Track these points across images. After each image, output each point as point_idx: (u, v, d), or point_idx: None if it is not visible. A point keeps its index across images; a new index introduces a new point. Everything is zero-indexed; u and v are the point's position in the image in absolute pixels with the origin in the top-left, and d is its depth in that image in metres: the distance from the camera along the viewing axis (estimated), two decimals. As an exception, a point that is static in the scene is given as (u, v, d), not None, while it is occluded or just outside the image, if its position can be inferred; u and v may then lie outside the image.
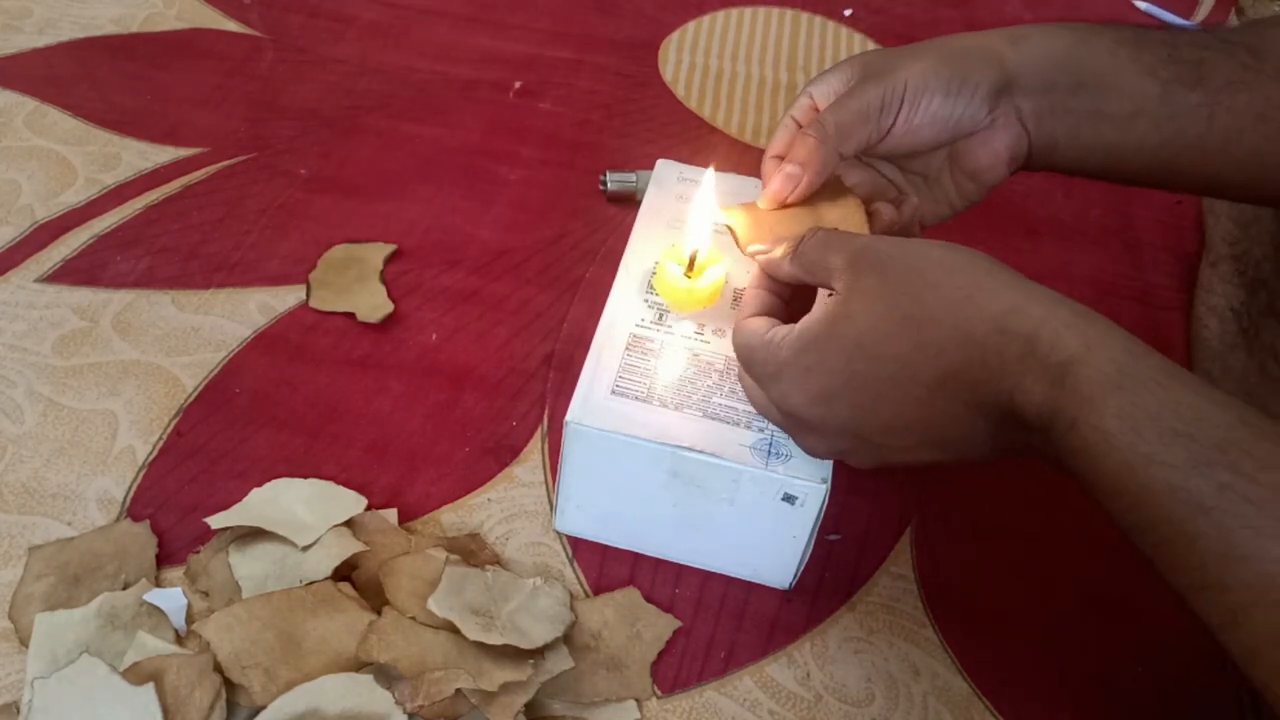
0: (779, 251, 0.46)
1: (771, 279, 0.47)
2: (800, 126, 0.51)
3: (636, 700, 0.45)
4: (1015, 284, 0.38)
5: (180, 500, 0.50)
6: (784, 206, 0.49)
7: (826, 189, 0.49)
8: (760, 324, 0.44)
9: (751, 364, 0.44)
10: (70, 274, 0.60)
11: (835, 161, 0.48)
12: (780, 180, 0.48)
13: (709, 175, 0.52)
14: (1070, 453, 0.35)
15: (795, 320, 0.43)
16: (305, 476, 0.51)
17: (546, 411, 0.57)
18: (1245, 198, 0.54)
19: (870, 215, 0.49)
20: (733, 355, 0.49)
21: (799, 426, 0.43)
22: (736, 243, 0.49)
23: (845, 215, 0.49)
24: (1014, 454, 0.40)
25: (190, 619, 0.45)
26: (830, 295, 0.42)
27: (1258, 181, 0.48)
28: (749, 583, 0.50)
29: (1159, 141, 0.48)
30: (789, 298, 0.47)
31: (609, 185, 0.70)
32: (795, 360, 0.41)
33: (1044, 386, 0.35)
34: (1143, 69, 0.47)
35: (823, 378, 0.41)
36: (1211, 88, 0.47)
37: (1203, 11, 1.03)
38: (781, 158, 0.50)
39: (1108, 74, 0.48)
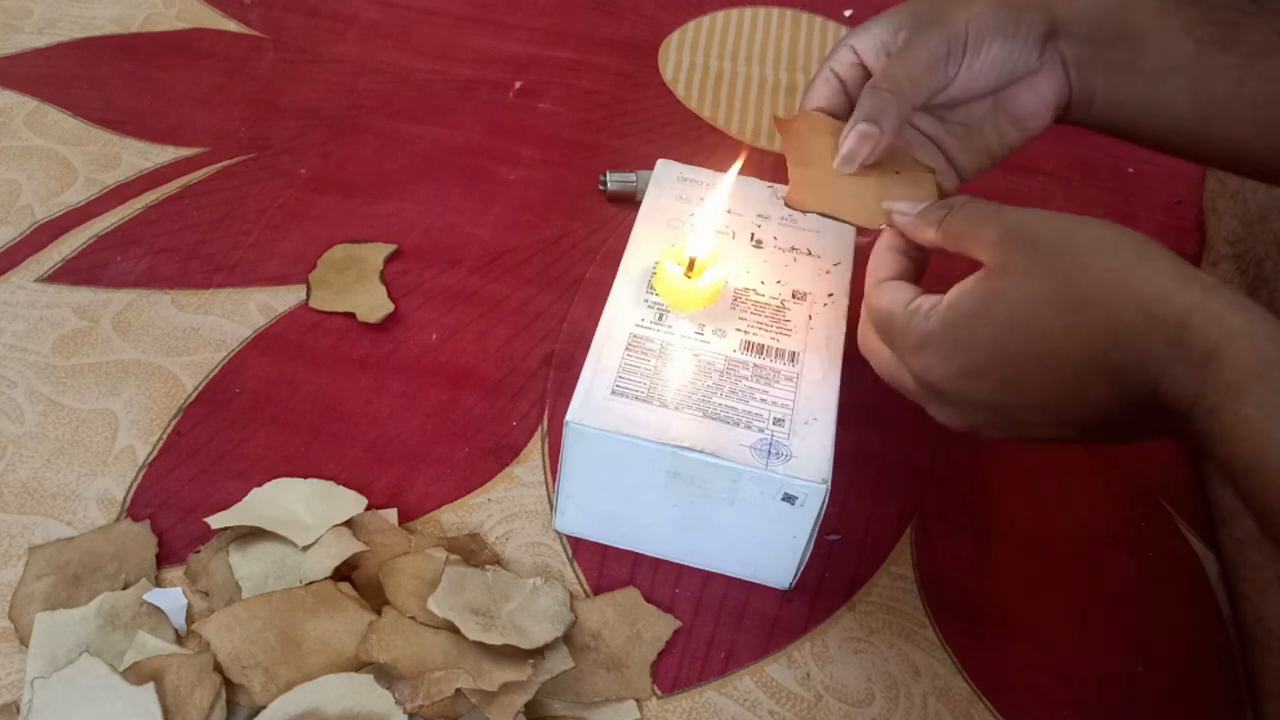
0: (920, 215, 0.45)
1: (904, 240, 0.46)
2: (841, 80, 0.49)
3: (636, 700, 0.45)
4: (1168, 268, 0.38)
5: (180, 500, 0.50)
6: (859, 171, 0.47)
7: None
8: (902, 291, 0.43)
9: (892, 332, 0.43)
10: (70, 274, 0.60)
11: (909, 118, 0.47)
12: (856, 140, 0.46)
13: (730, 176, 0.52)
14: (1208, 437, 0.35)
15: (922, 283, 0.43)
16: (305, 476, 0.51)
17: (546, 411, 0.57)
18: (1265, 172, 0.53)
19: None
20: (732, 355, 0.49)
21: (938, 398, 0.43)
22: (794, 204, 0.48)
23: (916, 181, 0.48)
24: (1152, 437, 0.40)
25: (190, 619, 0.45)
26: (981, 270, 0.41)
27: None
28: (749, 583, 0.50)
29: (1189, 101, 0.47)
30: (922, 260, 0.46)
31: (609, 185, 0.70)
32: (944, 334, 0.41)
33: (1187, 374, 0.35)
34: (1180, 26, 0.47)
35: (971, 354, 0.40)
36: (1244, 51, 0.46)
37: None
38: (823, 110, 0.49)
39: (1147, 28, 0.47)
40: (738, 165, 0.54)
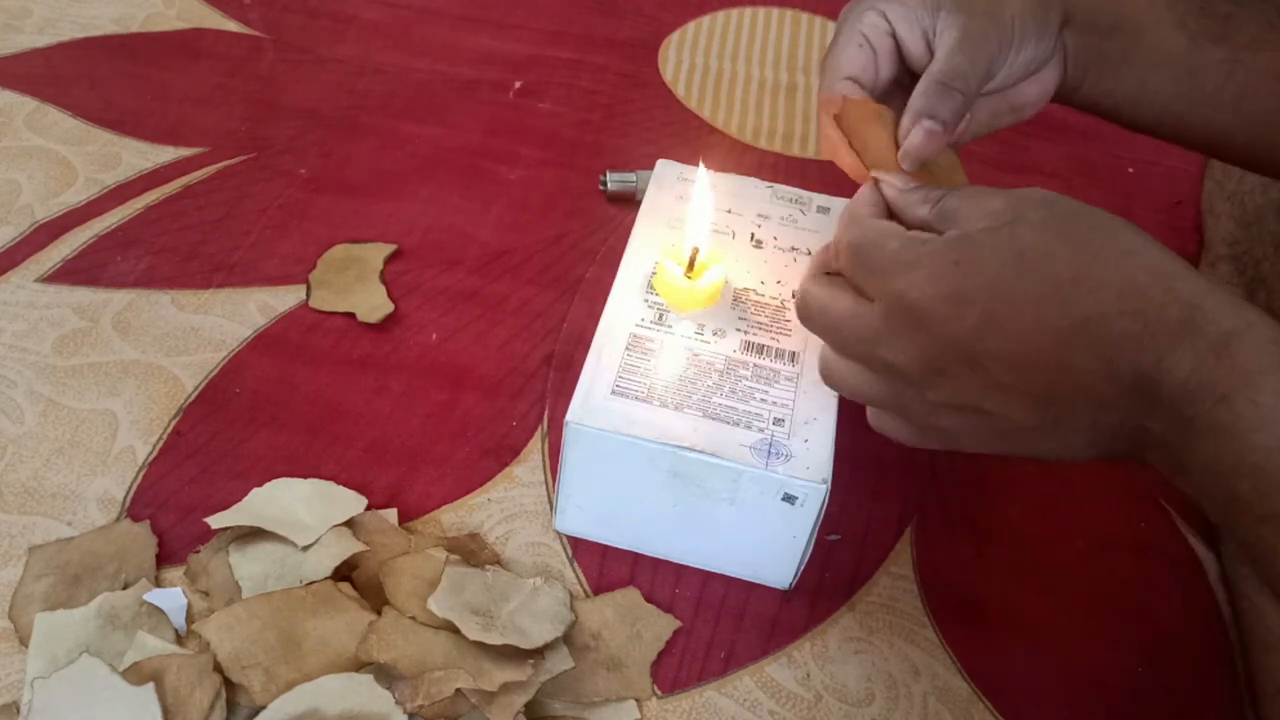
0: (914, 192, 0.42)
1: (881, 201, 0.43)
2: (870, 43, 0.47)
3: (636, 700, 0.45)
4: (1177, 260, 0.37)
5: (180, 500, 0.50)
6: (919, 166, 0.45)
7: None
8: (898, 227, 0.40)
9: (879, 255, 0.39)
10: (70, 274, 0.60)
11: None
12: (923, 138, 0.43)
13: (701, 173, 0.52)
14: (1209, 430, 0.33)
15: None
16: (305, 476, 0.51)
17: (546, 411, 0.57)
18: (1250, 161, 0.52)
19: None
20: (732, 355, 0.49)
21: (907, 328, 0.38)
22: (858, 161, 0.45)
23: (949, 164, 0.46)
24: (1112, 444, 0.37)
25: (190, 619, 0.45)
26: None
27: (1265, 144, 0.48)
28: (749, 583, 0.50)
29: (1175, 93, 0.47)
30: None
31: (609, 185, 0.70)
32: (946, 252, 0.38)
33: (1197, 357, 0.34)
34: (1175, 18, 0.47)
35: (968, 275, 0.37)
36: (1236, 43, 0.46)
37: None
38: (856, 80, 0.47)
39: (1142, 19, 0.47)
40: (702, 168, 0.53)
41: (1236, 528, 0.34)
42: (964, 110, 0.44)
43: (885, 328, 0.39)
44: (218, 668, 0.42)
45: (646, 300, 0.51)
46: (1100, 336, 0.35)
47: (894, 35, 0.47)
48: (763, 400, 0.47)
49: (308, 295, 0.61)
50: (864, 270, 0.40)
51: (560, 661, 0.45)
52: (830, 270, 0.43)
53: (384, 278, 0.63)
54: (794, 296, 0.46)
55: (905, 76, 0.48)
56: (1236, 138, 0.48)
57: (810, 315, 0.42)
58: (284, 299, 0.61)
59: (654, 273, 0.52)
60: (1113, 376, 0.35)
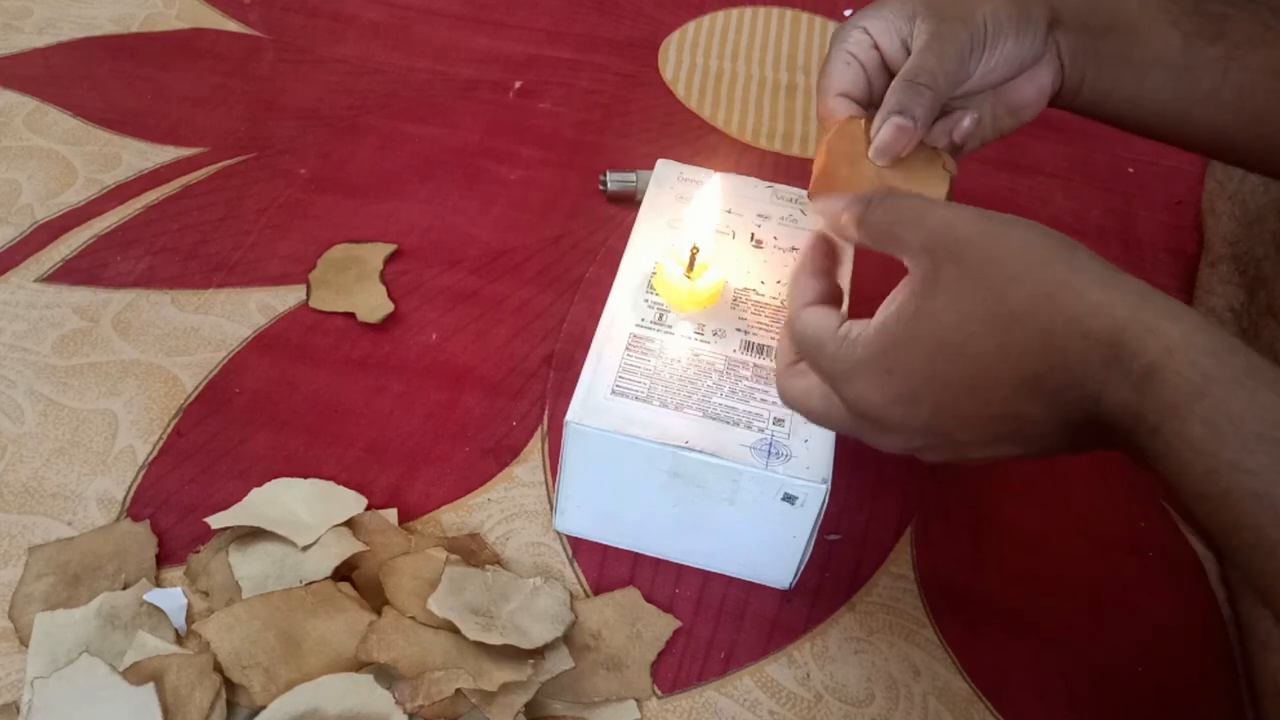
0: (842, 209, 0.42)
1: (821, 260, 0.44)
2: (856, 59, 0.48)
3: (636, 700, 0.45)
4: (1100, 279, 0.37)
5: (180, 500, 0.50)
6: (893, 163, 0.46)
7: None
8: (828, 317, 0.41)
9: (821, 360, 0.41)
10: (70, 274, 0.60)
11: (937, 112, 0.46)
12: (893, 132, 0.45)
13: (715, 180, 0.52)
14: (1154, 457, 0.34)
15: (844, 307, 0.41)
16: (305, 476, 0.51)
17: (546, 411, 0.57)
18: (1251, 161, 0.52)
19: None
20: (732, 355, 0.49)
21: (875, 426, 0.41)
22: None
23: (928, 163, 0.46)
24: (1094, 449, 0.39)
25: (190, 619, 0.45)
26: (906, 283, 0.40)
27: (1265, 143, 0.48)
28: (749, 583, 0.50)
29: (1173, 94, 0.48)
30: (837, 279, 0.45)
31: (609, 185, 0.70)
32: (874, 361, 0.39)
33: (1127, 392, 0.35)
34: (1168, 19, 0.47)
35: (904, 379, 0.39)
36: (1231, 43, 0.47)
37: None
38: (847, 95, 0.48)
39: (1135, 20, 0.47)
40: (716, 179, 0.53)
41: (1205, 539, 0.34)
42: (933, 105, 0.45)
43: (855, 424, 0.41)
44: (218, 668, 0.42)
45: (646, 300, 0.51)
46: (1040, 391, 0.37)
47: (877, 48, 0.48)
48: (763, 400, 0.47)
49: (308, 295, 0.61)
50: (818, 367, 0.41)
51: (560, 661, 0.45)
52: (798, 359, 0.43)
53: (384, 278, 0.63)
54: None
55: None
56: (1236, 137, 0.49)
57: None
58: (284, 299, 0.61)
59: (654, 273, 0.52)
60: (1067, 417, 0.37)
